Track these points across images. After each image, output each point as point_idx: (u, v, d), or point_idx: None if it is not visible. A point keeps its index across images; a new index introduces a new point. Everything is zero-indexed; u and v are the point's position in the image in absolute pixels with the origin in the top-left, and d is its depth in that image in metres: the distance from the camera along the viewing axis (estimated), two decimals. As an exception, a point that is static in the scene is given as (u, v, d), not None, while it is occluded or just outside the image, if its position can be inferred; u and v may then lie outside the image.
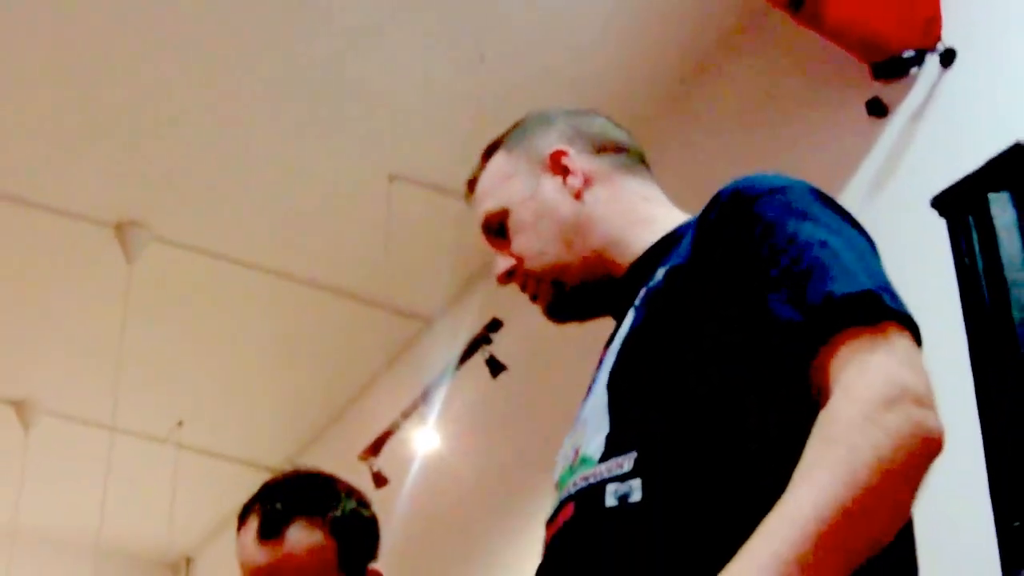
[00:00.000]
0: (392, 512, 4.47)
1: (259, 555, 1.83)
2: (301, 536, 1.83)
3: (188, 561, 6.93)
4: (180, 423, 5.64)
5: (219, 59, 4.18)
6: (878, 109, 3.45)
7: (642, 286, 1.46)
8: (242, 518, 1.88)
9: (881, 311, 1.23)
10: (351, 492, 1.95)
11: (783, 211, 1.33)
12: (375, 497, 4.37)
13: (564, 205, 1.57)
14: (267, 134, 4.41)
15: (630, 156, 1.63)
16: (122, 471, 5.44)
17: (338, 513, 1.87)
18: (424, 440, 4.65)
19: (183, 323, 5.15)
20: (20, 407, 5.48)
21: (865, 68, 3.43)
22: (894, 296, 1.27)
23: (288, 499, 1.86)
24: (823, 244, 1.29)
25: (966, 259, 2.83)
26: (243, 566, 1.86)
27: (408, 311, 5.00)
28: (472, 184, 1.67)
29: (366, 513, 1.94)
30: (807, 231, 1.31)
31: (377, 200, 4.45)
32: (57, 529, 6.43)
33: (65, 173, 4.47)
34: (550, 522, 1.42)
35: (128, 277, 4.67)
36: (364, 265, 4.83)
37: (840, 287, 1.24)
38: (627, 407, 1.37)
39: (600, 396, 1.42)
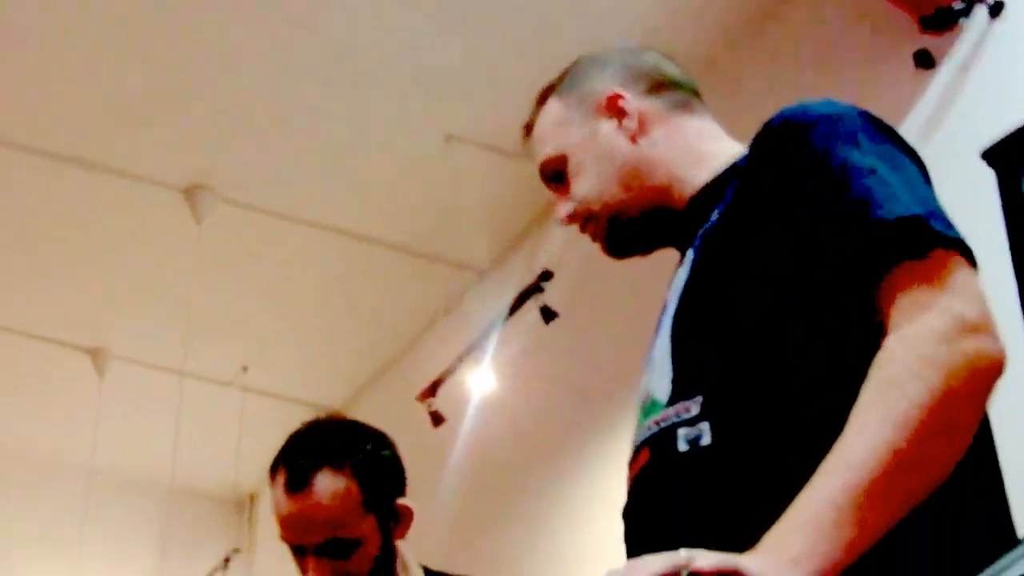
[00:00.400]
0: (448, 451, 4.55)
1: (290, 507, 1.91)
2: (326, 484, 1.89)
3: (252, 498, 7.06)
4: (245, 368, 5.76)
5: (284, 24, 4.24)
6: (926, 61, 3.40)
7: (701, 222, 1.46)
8: (272, 473, 1.95)
9: (932, 237, 1.21)
10: (371, 434, 2.02)
11: (833, 139, 1.32)
12: (432, 437, 4.48)
13: (621, 148, 1.56)
14: (329, 98, 4.50)
15: (684, 92, 1.61)
16: (191, 414, 5.57)
17: (359, 457, 1.94)
18: (480, 381, 4.69)
19: (248, 277, 5.28)
20: (96, 354, 5.62)
21: (913, 20, 3.39)
22: (945, 220, 1.24)
23: (311, 450, 1.93)
24: (872, 171, 1.27)
25: (1016, 210, 2.84)
26: (278, 518, 1.94)
27: (463, 263, 5.08)
28: (528, 129, 1.66)
29: (387, 453, 2.00)
30: (856, 158, 1.29)
31: (433, 159, 4.54)
32: (130, 469, 6.58)
33: (136, 140, 4.60)
34: (631, 465, 1.43)
35: (197, 236, 4.80)
36: (421, 220, 4.92)
37: (890, 214, 1.22)
38: (690, 350, 1.38)
39: (664, 340, 1.43)
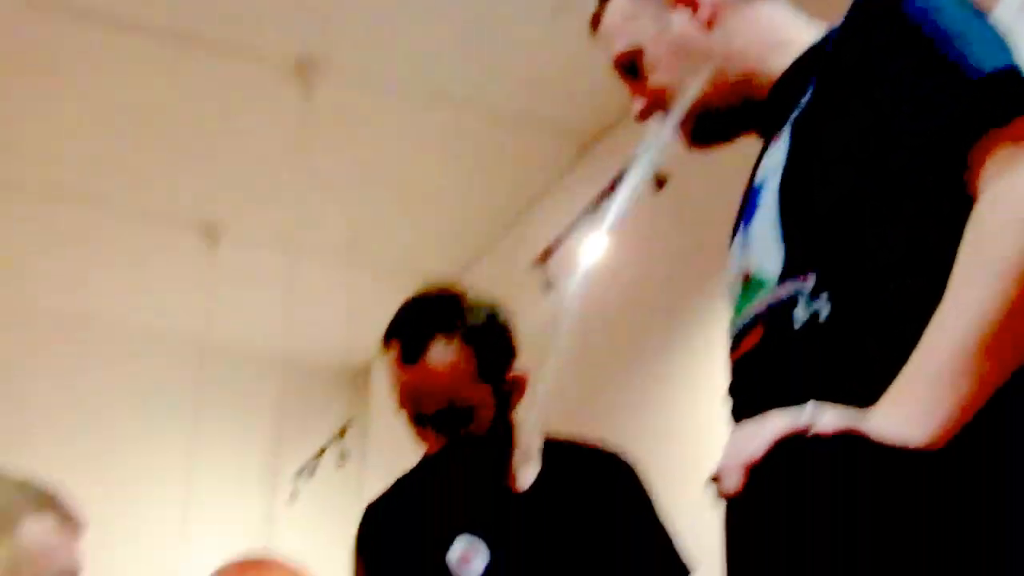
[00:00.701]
0: (560, 319, 4.54)
1: (405, 377, 1.92)
2: (439, 354, 1.90)
3: (366, 369, 7.16)
4: (355, 241, 5.79)
5: None
6: None
7: (788, 106, 1.45)
8: (386, 344, 1.96)
9: (1020, 103, 1.23)
10: (483, 302, 2.01)
11: (923, 12, 1.32)
12: (545, 305, 4.46)
13: (696, 38, 1.54)
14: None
15: None
16: (302, 287, 5.63)
17: (471, 326, 1.94)
18: (591, 248, 4.67)
19: (357, 149, 5.26)
20: (207, 230, 5.68)
21: None
22: None
23: (423, 320, 1.93)
24: (962, 38, 1.28)
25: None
26: (393, 388, 1.96)
27: (574, 131, 5.01)
28: (595, 21, 1.65)
29: (500, 321, 2.00)
30: (947, 25, 1.29)
31: (540, 28, 4.46)
32: (243, 344, 6.70)
33: (247, 15, 4.57)
34: (734, 347, 1.43)
35: (306, 110, 4.80)
36: (531, 88, 4.85)
37: (980, 71, 1.24)
38: (801, 227, 1.37)
39: (767, 219, 1.42)
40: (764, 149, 1.51)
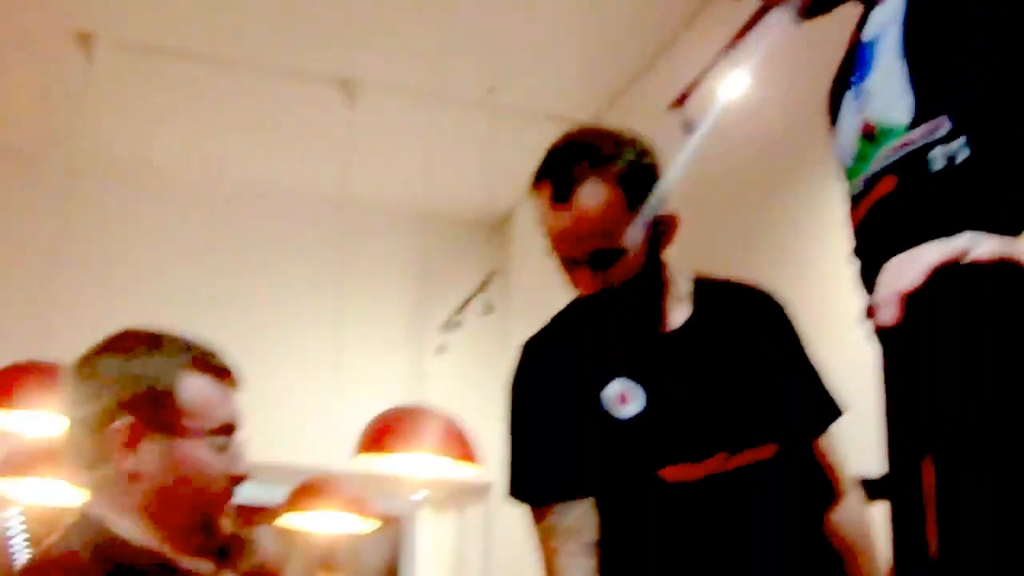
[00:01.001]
0: (700, 159, 4.48)
1: (555, 218, 1.91)
2: (591, 194, 1.88)
3: (506, 219, 7.18)
4: (492, 88, 5.75)
5: None
6: None
7: None
8: (535, 187, 1.94)
9: None
10: (633, 142, 1.97)
11: None
12: (682, 148, 4.40)
13: None
14: None
15: None
16: (441, 138, 5.64)
17: (623, 165, 1.91)
18: (731, 88, 4.58)
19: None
20: (346, 84, 5.68)
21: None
22: None
23: (574, 160, 1.90)
24: None
25: None
26: (544, 231, 1.94)
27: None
28: None
29: (650, 160, 1.96)
30: None
31: None
32: (384, 198, 6.76)
33: None
34: (861, 197, 1.41)
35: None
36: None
37: None
38: (931, 72, 1.35)
39: (890, 69, 1.39)
40: (867, 10, 1.48)
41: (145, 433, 1.72)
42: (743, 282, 2.17)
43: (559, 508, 1.90)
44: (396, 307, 6.89)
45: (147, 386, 1.73)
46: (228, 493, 1.78)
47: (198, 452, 1.74)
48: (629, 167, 1.91)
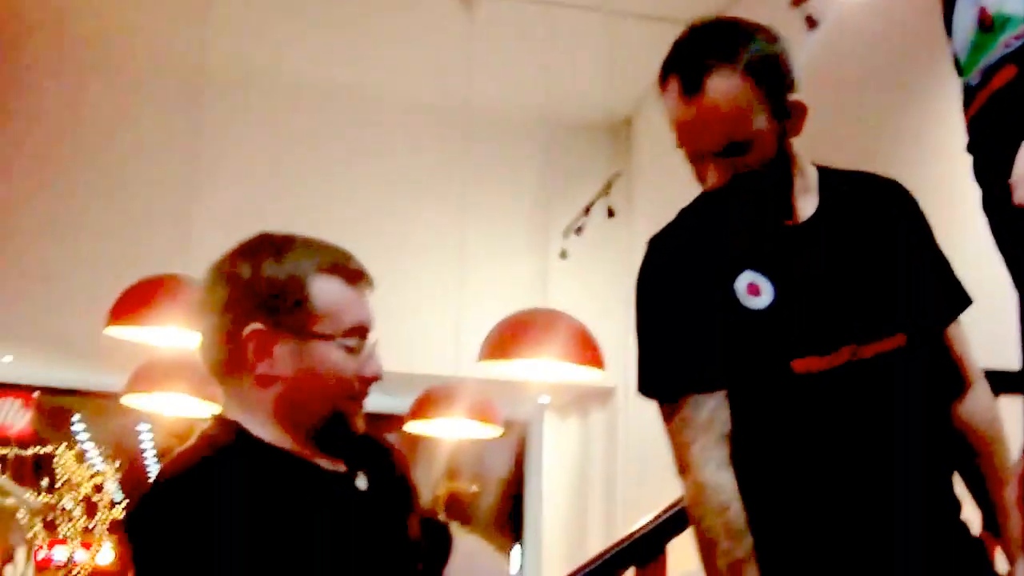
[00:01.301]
0: (821, 55, 4.38)
1: (685, 112, 1.86)
2: (720, 85, 1.83)
3: (628, 122, 7.12)
4: (612, -11, 5.67)
5: None
6: None
7: None
8: (663, 81, 1.89)
9: None
10: (761, 31, 1.91)
11: None
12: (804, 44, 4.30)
13: None
14: None
15: None
16: (561, 42, 5.59)
17: (751, 55, 1.85)
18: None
19: None
20: (465, -8, 5.66)
21: None
22: None
23: (701, 53, 1.85)
24: None
25: None
26: (674, 124, 1.90)
27: None
28: None
29: (779, 48, 1.90)
30: None
31: None
32: (506, 104, 6.74)
33: None
34: (977, 89, 1.37)
35: None
36: None
37: None
38: None
39: None
40: None
41: (278, 338, 1.73)
42: (868, 173, 2.13)
43: (692, 401, 1.88)
44: (519, 213, 6.90)
45: (278, 291, 1.74)
46: (360, 394, 1.80)
47: (330, 354, 1.75)
48: (758, 56, 1.86)
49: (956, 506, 1.95)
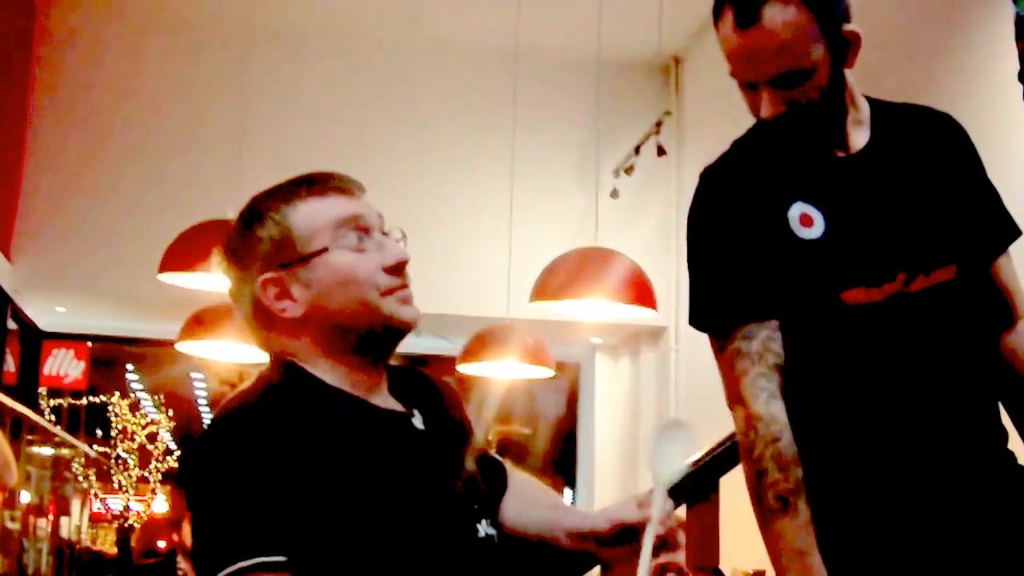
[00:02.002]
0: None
1: (740, 41, 1.86)
2: (777, 14, 1.83)
3: (678, 61, 7.06)
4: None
5: None
6: None
7: None
8: (718, 12, 1.89)
9: None
10: None
11: None
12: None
13: None
14: None
15: None
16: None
17: None
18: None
19: None
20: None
21: None
22: None
23: None
24: None
25: None
26: (729, 55, 1.89)
27: None
28: None
29: None
30: None
31: None
32: (554, 43, 6.69)
33: None
34: None
35: None
36: None
37: None
38: None
39: None
40: None
41: (287, 279, 1.75)
42: (920, 106, 2.12)
43: (745, 331, 1.88)
44: (568, 153, 6.87)
45: (269, 237, 1.77)
46: (393, 286, 1.76)
47: (335, 262, 1.74)
48: None
49: (1004, 436, 1.95)
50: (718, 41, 1.91)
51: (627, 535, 1.87)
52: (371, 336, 1.76)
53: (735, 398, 1.89)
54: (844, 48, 1.90)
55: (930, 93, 4.22)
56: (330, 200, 1.78)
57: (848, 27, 1.90)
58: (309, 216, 1.76)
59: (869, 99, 2.04)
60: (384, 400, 1.80)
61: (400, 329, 1.77)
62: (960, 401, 1.91)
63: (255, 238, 1.78)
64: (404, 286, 1.77)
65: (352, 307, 1.74)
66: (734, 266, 1.92)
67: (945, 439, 1.89)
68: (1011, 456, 1.93)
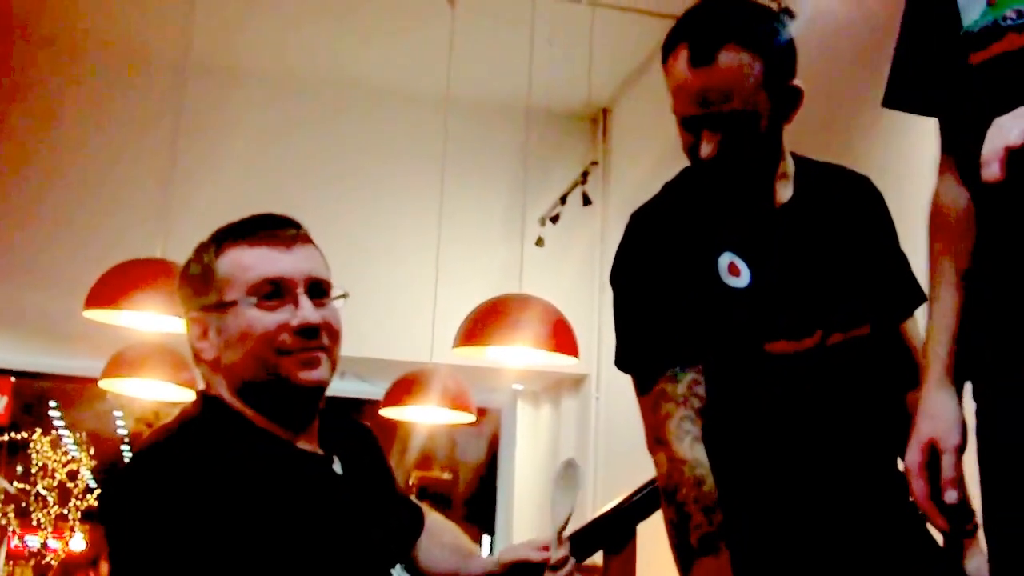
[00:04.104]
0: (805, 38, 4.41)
1: (692, 79, 1.89)
2: (730, 59, 1.88)
3: (606, 112, 7.13)
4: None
5: None
6: None
7: None
8: (669, 50, 1.93)
9: None
10: (770, 13, 1.99)
11: None
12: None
13: None
14: None
15: None
16: (543, 33, 5.59)
17: (761, 33, 1.92)
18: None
19: None
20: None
21: None
22: None
23: (715, 26, 1.90)
24: None
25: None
26: (676, 90, 1.93)
27: None
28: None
29: (785, 31, 1.97)
30: None
31: None
32: (485, 92, 6.72)
33: None
34: (994, 42, 1.43)
35: None
36: None
37: None
38: None
39: None
40: None
41: (206, 320, 1.79)
42: (840, 166, 2.18)
43: (671, 374, 1.91)
44: (496, 200, 6.90)
45: (198, 277, 1.81)
46: (296, 346, 1.78)
47: (243, 315, 1.77)
48: (767, 36, 1.92)
49: (906, 487, 2.01)
50: (665, 76, 1.96)
51: None
52: (269, 393, 1.78)
53: (658, 441, 1.91)
54: (786, 102, 1.96)
55: (849, 156, 4.31)
56: (258, 251, 1.80)
57: (793, 82, 1.96)
58: (232, 265, 1.79)
59: (794, 155, 2.09)
60: (306, 442, 1.81)
61: (299, 389, 1.78)
62: (868, 454, 1.97)
63: (189, 275, 1.81)
64: (307, 348, 1.78)
65: (248, 362, 1.77)
66: (663, 309, 1.95)
67: (853, 489, 1.94)
68: (913, 507, 1.99)
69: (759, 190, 2.01)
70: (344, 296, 1.86)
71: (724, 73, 1.87)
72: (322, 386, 1.81)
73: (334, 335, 1.83)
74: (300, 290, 1.79)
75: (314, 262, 1.84)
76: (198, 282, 1.81)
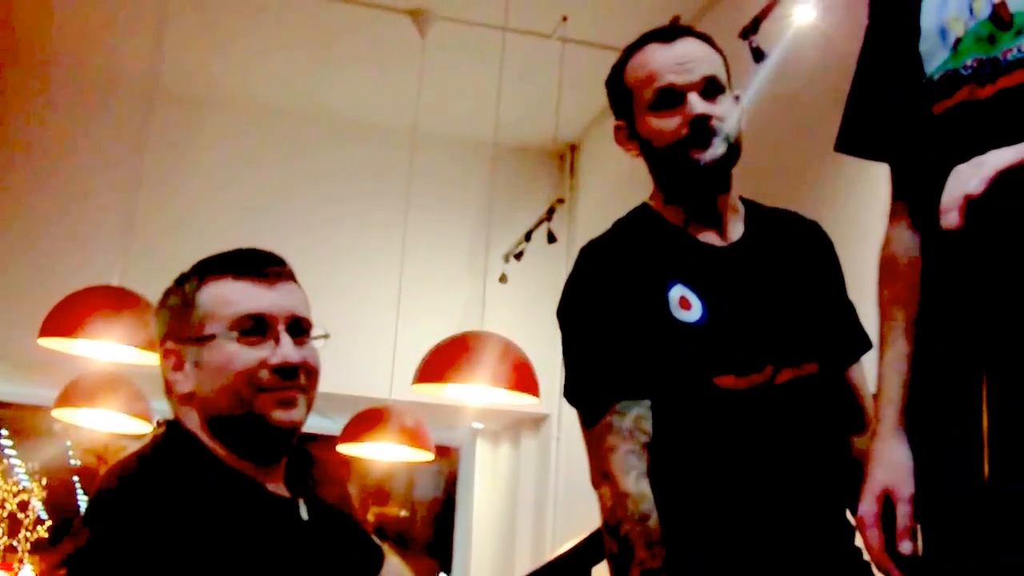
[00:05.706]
0: (768, 87, 4.42)
1: (664, 53, 2.00)
2: (694, 42, 2.02)
3: (574, 149, 7.15)
4: (565, 18, 5.69)
5: None
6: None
7: None
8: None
9: None
10: (721, 52, 2.07)
11: None
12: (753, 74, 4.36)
13: None
14: None
15: None
16: (512, 69, 5.60)
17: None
18: (801, 15, 4.51)
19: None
20: (417, 15, 5.64)
21: None
22: None
23: (678, 27, 2.09)
24: None
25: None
26: (656, 71, 2.00)
27: None
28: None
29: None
30: None
31: None
32: (454, 127, 6.75)
33: None
34: (978, 85, 1.43)
35: None
36: None
37: None
38: None
39: None
40: None
41: (182, 352, 1.76)
42: (791, 211, 2.21)
43: (619, 408, 1.89)
44: (460, 236, 6.89)
45: (177, 308, 1.78)
46: (274, 384, 1.77)
47: (223, 350, 1.75)
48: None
49: (851, 530, 1.99)
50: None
51: None
52: (242, 430, 1.75)
53: (603, 474, 1.89)
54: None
55: (797, 202, 4.31)
56: (241, 286, 1.79)
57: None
58: (214, 298, 1.78)
59: (743, 199, 2.11)
60: (273, 482, 1.79)
61: (273, 429, 1.76)
62: (814, 493, 1.96)
63: (168, 305, 1.80)
64: (285, 387, 1.77)
65: (224, 396, 1.75)
66: (610, 342, 1.94)
67: (798, 528, 1.93)
68: (858, 552, 1.97)
69: (711, 224, 2.03)
70: (325, 336, 1.85)
71: (693, 46, 2.01)
72: (296, 427, 1.80)
73: (312, 375, 1.84)
74: (281, 327, 1.79)
75: (296, 300, 1.84)
76: (177, 313, 1.79)
